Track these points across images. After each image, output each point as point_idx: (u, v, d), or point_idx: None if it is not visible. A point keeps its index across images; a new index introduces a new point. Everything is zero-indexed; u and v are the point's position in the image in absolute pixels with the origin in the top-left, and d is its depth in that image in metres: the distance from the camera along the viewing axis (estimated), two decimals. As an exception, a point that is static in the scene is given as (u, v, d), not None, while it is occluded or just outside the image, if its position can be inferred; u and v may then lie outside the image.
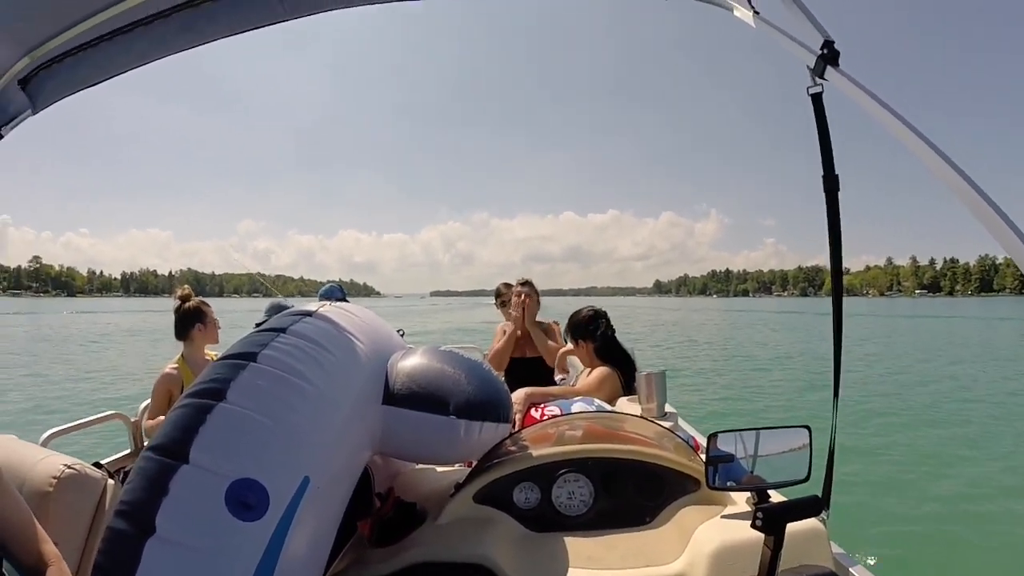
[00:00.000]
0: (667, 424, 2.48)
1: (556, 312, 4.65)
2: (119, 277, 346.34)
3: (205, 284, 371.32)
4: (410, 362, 1.66)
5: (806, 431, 1.66)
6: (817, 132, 1.67)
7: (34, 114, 2.31)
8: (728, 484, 1.63)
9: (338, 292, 4.97)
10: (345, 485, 1.44)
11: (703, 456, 1.73)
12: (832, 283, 1.81)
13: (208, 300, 3.91)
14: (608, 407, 2.55)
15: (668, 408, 2.84)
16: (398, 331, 2.14)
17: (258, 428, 1.22)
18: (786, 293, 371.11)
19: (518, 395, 2.77)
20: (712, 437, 1.62)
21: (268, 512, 1.16)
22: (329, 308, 1.63)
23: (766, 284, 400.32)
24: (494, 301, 4.90)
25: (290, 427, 1.26)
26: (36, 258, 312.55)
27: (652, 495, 1.78)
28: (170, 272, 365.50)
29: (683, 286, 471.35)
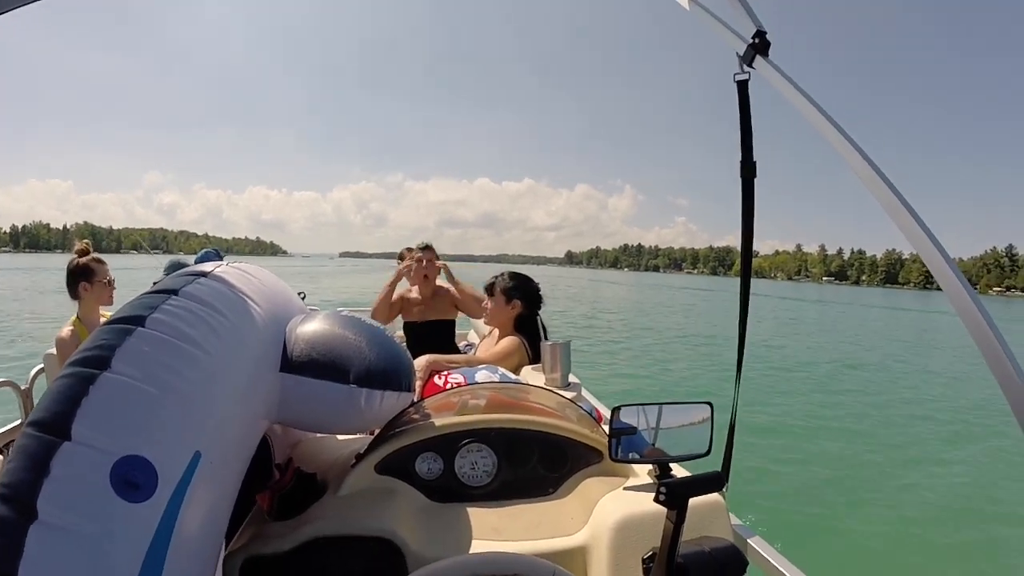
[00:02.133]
0: (570, 395, 2.52)
1: (470, 278, 4.63)
2: (8, 231, 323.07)
3: (102, 239, 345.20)
4: (309, 327, 1.59)
5: (708, 407, 1.72)
6: (740, 119, 1.69)
7: None
8: (630, 456, 1.67)
9: (215, 256, 4.83)
10: (241, 458, 1.36)
11: (606, 428, 1.76)
12: (741, 266, 1.85)
13: (104, 257, 3.71)
14: (513, 376, 2.54)
15: (572, 378, 2.88)
16: (299, 294, 2.07)
17: (145, 400, 1.13)
18: (696, 271, 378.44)
19: (420, 362, 2.72)
20: (616, 410, 1.66)
21: (157, 491, 1.08)
22: (225, 268, 1.53)
23: (677, 261, 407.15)
24: (398, 264, 4.84)
25: (180, 398, 1.17)
26: None
27: (555, 466, 1.79)
28: (64, 226, 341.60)
29: (595, 258, 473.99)
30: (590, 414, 2.00)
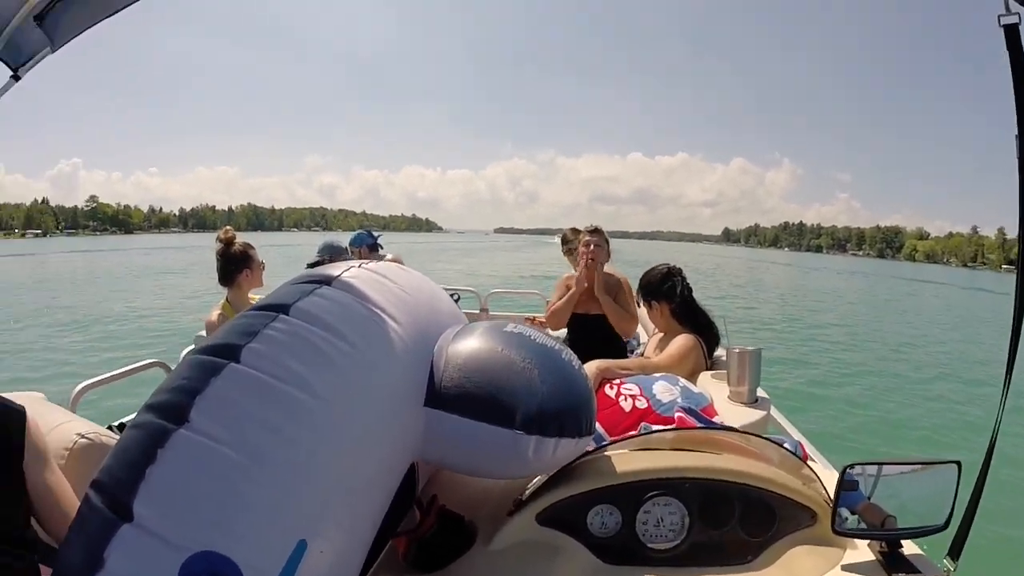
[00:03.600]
0: (760, 414, 2.21)
1: (624, 255, 4.13)
2: (177, 213, 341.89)
3: (265, 218, 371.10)
4: (464, 348, 1.24)
5: (955, 467, 1.32)
6: (1012, 75, 1.23)
7: (53, 51, 2.26)
8: (858, 529, 1.32)
9: (368, 239, 4.69)
10: (368, 522, 1.06)
11: (813, 468, 1.45)
12: (1019, 258, 1.37)
13: (267, 235, 3.60)
14: (695, 390, 2.20)
15: (760, 393, 2.48)
16: (451, 295, 1.74)
17: (229, 471, 0.85)
18: (861, 252, 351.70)
19: (589, 368, 2.35)
20: (846, 470, 1.29)
21: None
22: (355, 272, 1.23)
23: (840, 241, 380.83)
24: (560, 247, 4.49)
25: (278, 467, 0.88)
26: (93, 197, 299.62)
27: (759, 528, 1.41)
28: (229, 207, 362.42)
29: (753, 236, 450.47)
30: (795, 452, 1.61)
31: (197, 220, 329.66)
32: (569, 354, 1.38)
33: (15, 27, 2.14)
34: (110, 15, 2.09)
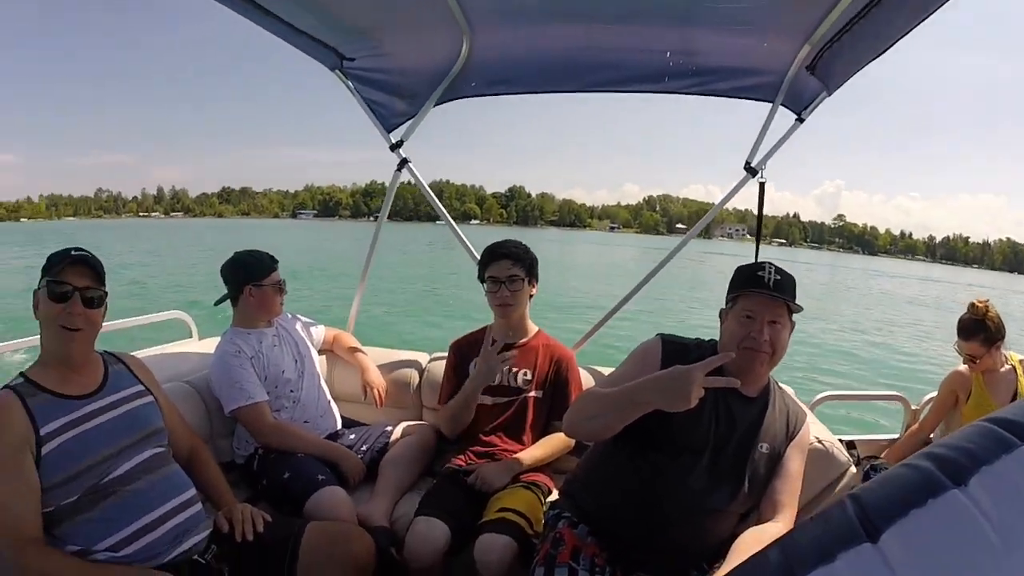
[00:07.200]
0: None
1: None
2: (924, 240, 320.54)
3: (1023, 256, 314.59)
4: None
5: None
6: None
7: (829, 95, 2.60)
8: None
9: None
10: None
11: None
12: None
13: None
14: None
15: None
16: None
17: (980, 547, 0.83)
18: None
19: None
20: None
21: None
22: None
23: None
24: None
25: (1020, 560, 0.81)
26: (840, 216, 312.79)
27: None
28: (985, 241, 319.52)
29: None
30: None
31: (946, 251, 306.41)
32: None
33: (791, 78, 2.53)
34: (876, 57, 2.23)
